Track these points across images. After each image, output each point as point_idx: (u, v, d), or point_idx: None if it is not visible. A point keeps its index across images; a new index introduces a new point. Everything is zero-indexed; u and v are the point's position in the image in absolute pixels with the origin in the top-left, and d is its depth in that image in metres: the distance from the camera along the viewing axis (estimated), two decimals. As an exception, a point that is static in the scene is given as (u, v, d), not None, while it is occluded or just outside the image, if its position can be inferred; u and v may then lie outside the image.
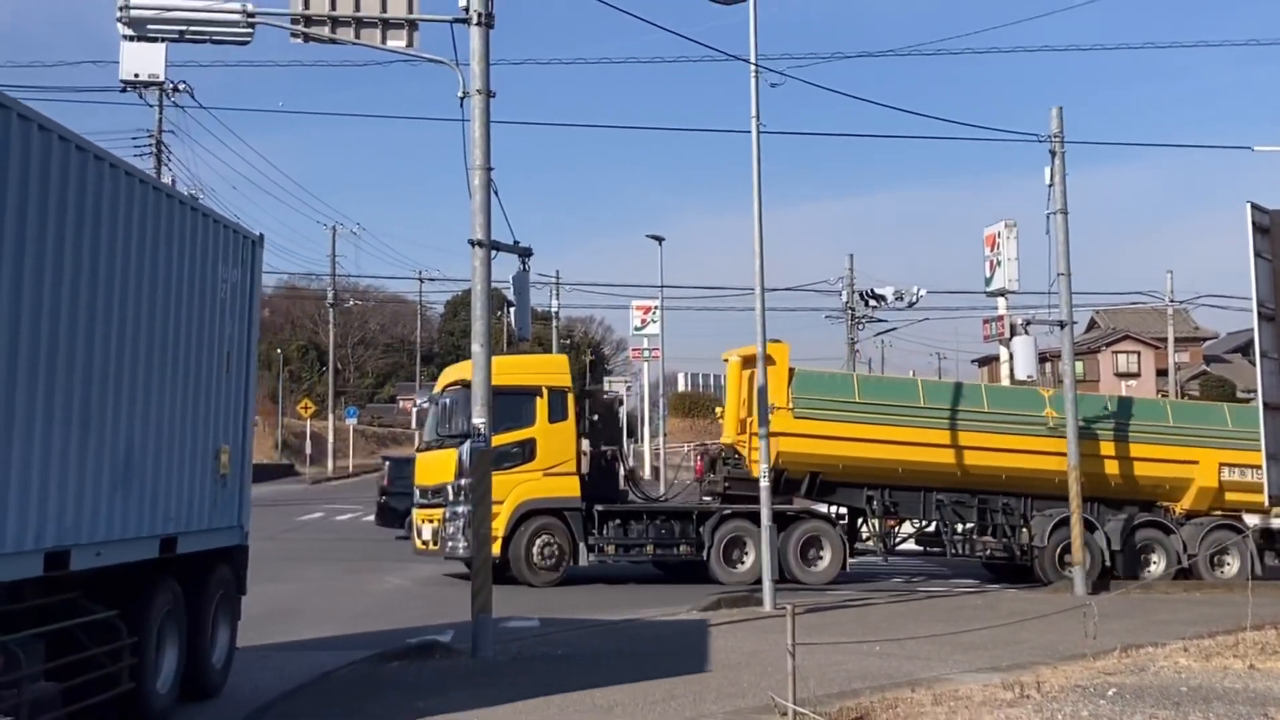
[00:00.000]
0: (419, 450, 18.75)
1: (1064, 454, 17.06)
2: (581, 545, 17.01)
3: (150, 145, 31.51)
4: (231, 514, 9.54)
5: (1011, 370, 20.03)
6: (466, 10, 11.06)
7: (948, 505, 18.12)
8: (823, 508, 18.30)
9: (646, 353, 43.39)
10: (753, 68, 14.22)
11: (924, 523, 18.47)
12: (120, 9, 11.48)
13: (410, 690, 9.35)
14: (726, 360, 18.93)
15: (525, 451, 17.00)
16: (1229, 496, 19.02)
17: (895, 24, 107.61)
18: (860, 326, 46.98)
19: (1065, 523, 17.21)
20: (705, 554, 17.18)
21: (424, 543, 17.53)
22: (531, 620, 13.64)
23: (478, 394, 11.16)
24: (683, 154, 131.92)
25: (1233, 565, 18.32)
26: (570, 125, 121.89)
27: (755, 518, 14.99)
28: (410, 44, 11.58)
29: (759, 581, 14.55)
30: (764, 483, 14.36)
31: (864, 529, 18.46)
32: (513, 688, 9.34)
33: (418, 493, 18.13)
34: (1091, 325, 64.76)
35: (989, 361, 57.07)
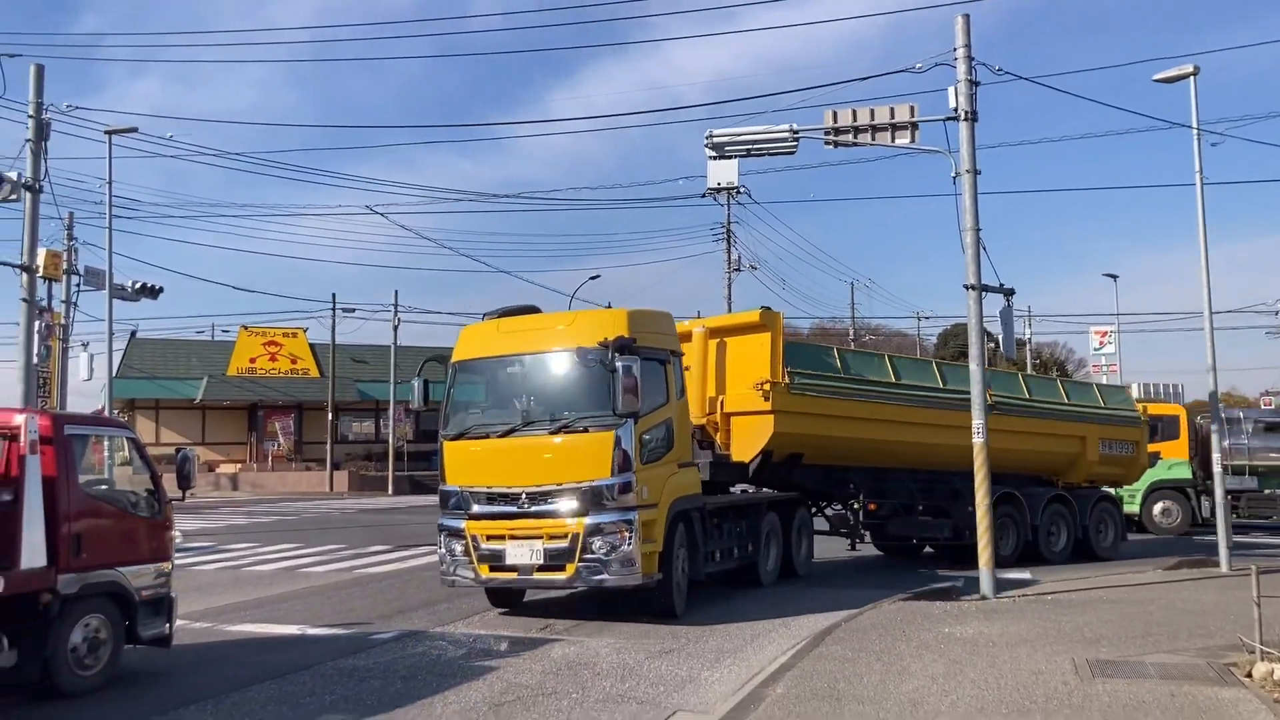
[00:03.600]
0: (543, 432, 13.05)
1: (1006, 432, 17.76)
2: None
3: (722, 232, 45.56)
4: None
5: None
6: (955, 111, 14.45)
7: (916, 487, 18.64)
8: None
9: (1105, 368, 49.50)
10: (1195, 131, 17.06)
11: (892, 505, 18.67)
12: (706, 137, 16.43)
13: (936, 620, 12.56)
14: (690, 333, 16.41)
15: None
16: (1099, 470, 21.06)
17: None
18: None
19: (1010, 500, 18.76)
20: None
21: (500, 568, 12.75)
22: (1024, 573, 17.17)
23: (976, 402, 14.48)
24: (1131, 204, 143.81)
25: (1108, 534, 20.80)
26: (1040, 191, 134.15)
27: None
28: (913, 140, 15.26)
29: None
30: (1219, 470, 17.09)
31: (827, 513, 18.50)
32: (1016, 620, 12.42)
33: (473, 497, 12.91)
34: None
35: None
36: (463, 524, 12.87)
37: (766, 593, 15.39)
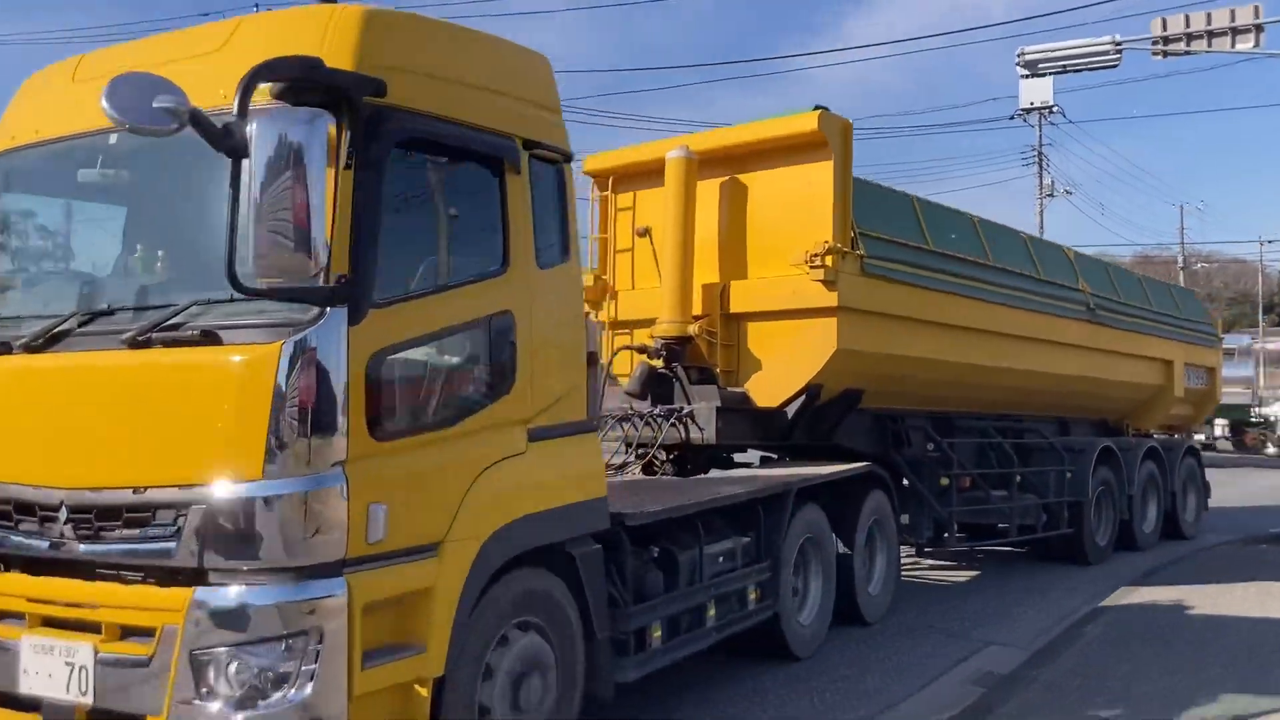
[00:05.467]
0: None
1: (1101, 353, 12.21)
2: None
3: (1033, 156, 42.04)
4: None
5: None
6: None
7: (996, 445, 11.15)
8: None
9: None
10: None
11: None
12: (1018, 55, 15.90)
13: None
14: (663, 160, 8.95)
15: None
16: (1177, 410, 14.86)
17: None
18: None
19: (1103, 457, 12.10)
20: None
21: None
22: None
23: None
24: None
25: (1191, 502, 14.45)
26: None
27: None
28: (1257, 44, 14.31)
29: None
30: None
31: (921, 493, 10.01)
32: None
33: None
34: None
35: None
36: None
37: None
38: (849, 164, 8.68)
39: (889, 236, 9.11)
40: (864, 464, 8.83)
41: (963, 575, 11.42)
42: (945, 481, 9.83)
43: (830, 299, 8.43)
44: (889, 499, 9.11)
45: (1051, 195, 42.90)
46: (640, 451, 8.92)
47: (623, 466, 9.02)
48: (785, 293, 8.65)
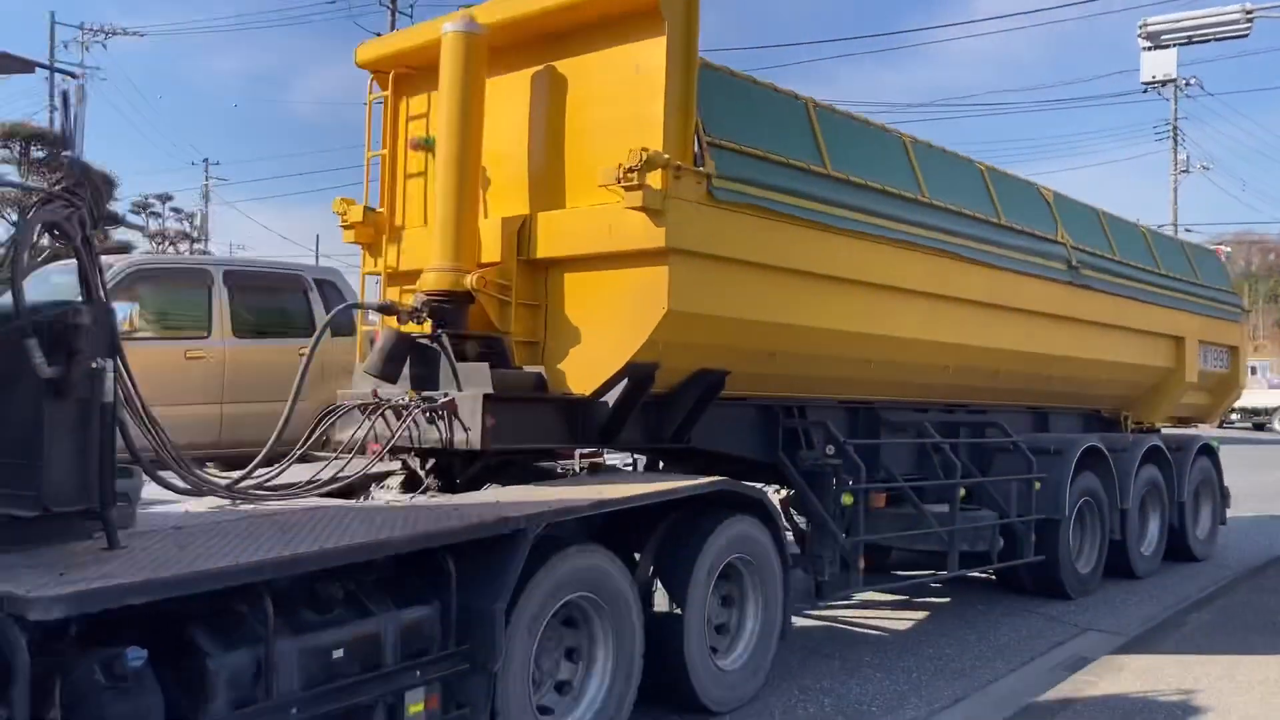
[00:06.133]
0: None
1: (1088, 325, 9.50)
2: None
3: (1168, 131, 41.53)
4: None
5: None
6: None
7: (936, 446, 8.20)
8: None
9: None
10: None
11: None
12: (1140, 27, 16.14)
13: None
14: (432, 45, 6.39)
15: None
16: (1189, 399, 11.79)
17: None
18: None
19: (1088, 460, 9.26)
20: None
21: None
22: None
23: None
24: None
25: (1205, 515, 11.51)
26: None
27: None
28: None
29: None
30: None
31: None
32: None
33: None
34: None
35: None
36: None
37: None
38: (693, 42, 5.90)
39: (761, 151, 6.32)
40: (709, 480, 6.05)
41: (901, 620, 8.65)
42: (848, 500, 7.01)
43: (656, 236, 5.69)
44: (769, 529, 6.33)
45: (1187, 171, 41.42)
46: (401, 458, 6.28)
47: (383, 478, 6.36)
48: (599, 227, 5.93)
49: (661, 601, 5.63)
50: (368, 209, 7.03)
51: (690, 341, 6.07)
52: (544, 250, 6.18)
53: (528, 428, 5.88)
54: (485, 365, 5.76)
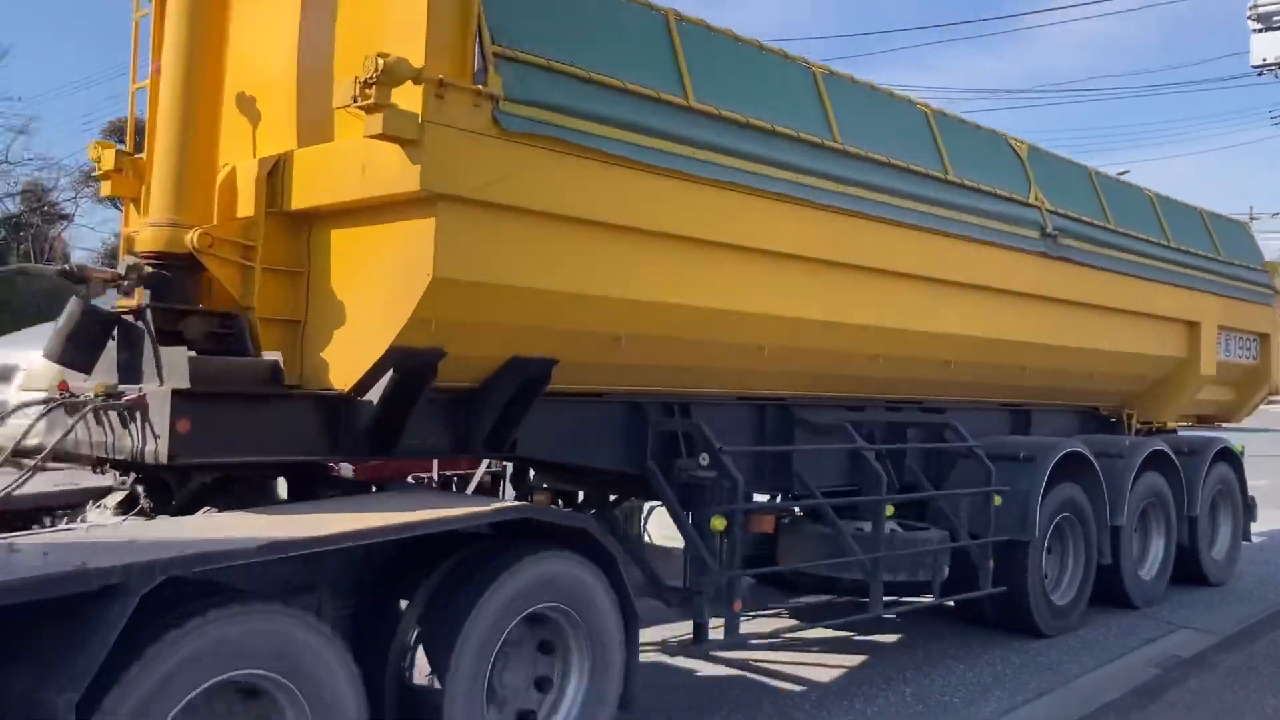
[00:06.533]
0: None
1: (1072, 306, 7.87)
2: None
3: None
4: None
5: None
6: None
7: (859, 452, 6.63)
8: None
9: None
10: None
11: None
12: (1250, 8, 17.51)
13: None
14: None
15: None
16: (1204, 395, 9.95)
17: None
18: None
19: (1069, 468, 7.67)
20: None
21: None
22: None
23: None
24: None
25: (1223, 533, 9.88)
26: None
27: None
28: None
29: None
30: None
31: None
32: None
33: None
34: None
35: None
36: None
37: None
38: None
39: (582, 70, 4.80)
40: (496, 507, 4.56)
41: (822, 669, 7.11)
42: (719, 523, 5.47)
43: (410, 177, 4.22)
44: (599, 566, 4.81)
45: (1303, 155, 39.74)
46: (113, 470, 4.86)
47: (102, 495, 4.95)
48: (352, 167, 4.46)
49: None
50: (125, 154, 5.60)
51: (482, 320, 4.59)
52: (300, 199, 4.71)
53: (249, 435, 4.41)
54: (183, 350, 4.31)
